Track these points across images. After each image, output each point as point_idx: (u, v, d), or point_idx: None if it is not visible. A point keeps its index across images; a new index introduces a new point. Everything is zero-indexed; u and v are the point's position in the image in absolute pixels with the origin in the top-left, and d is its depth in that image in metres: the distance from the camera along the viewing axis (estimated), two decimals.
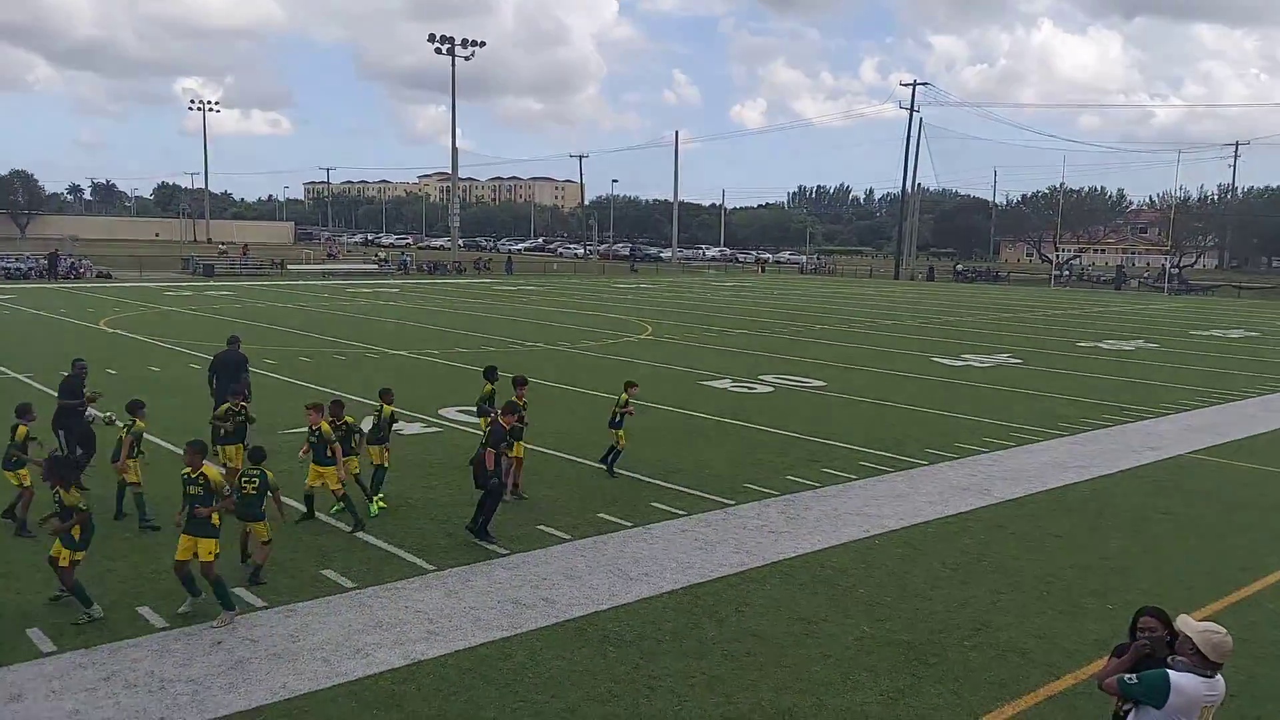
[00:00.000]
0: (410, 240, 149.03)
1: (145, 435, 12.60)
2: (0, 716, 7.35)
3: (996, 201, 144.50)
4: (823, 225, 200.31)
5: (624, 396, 15.34)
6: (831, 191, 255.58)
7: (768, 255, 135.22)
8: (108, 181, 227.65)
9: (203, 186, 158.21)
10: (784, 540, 12.39)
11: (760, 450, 17.53)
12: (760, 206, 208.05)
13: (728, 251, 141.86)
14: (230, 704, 7.68)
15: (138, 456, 12.12)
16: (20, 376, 22.14)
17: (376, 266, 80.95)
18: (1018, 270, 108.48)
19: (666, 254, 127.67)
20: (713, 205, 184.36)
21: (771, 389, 24.75)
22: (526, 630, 9.35)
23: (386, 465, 13.44)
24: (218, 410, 13.92)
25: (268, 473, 10.41)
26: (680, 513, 13.36)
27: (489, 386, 15.16)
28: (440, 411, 19.78)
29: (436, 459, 15.89)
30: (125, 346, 28.52)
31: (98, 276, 61.85)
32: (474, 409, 17.00)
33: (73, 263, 62.66)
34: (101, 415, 14.37)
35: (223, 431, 13.45)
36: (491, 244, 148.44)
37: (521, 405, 13.77)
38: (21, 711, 7.43)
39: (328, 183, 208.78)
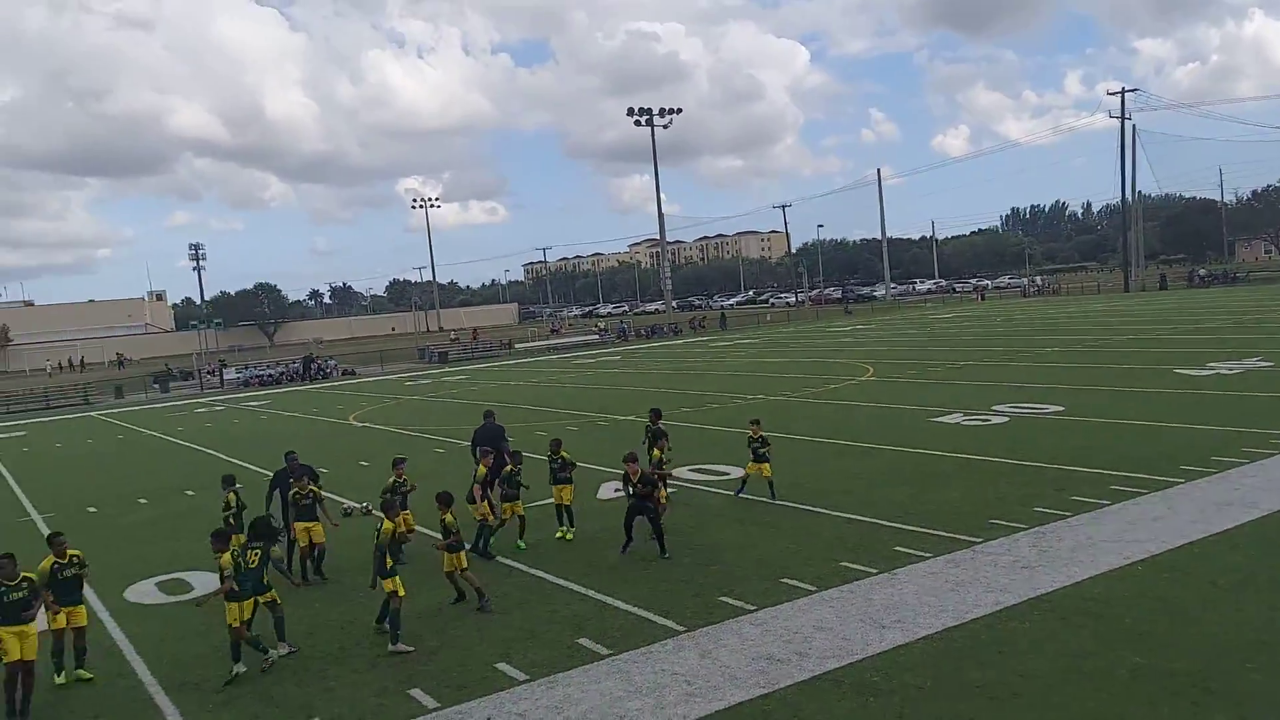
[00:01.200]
0: (626, 307, 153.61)
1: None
2: None
3: (1225, 201, 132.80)
4: (1041, 245, 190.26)
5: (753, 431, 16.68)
6: (1047, 210, 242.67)
7: (986, 282, 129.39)
8: (344, 284, 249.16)
9: (430, 279, 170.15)
10: (1039, 574, 11.58)
11: (1002, 483, 16.55)
12: (972, 233, 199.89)
13: (943, 283, 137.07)
14: None
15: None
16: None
17: (597, 336, 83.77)
18: (1258, 269, 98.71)
19: (879, 292, 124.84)
20: (922, 237, 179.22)
21: (1007, 419, 23.40)
22: (783, 686, 9.13)
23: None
24: (479, 474, 15.04)
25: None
26: (926, 554, 12.76)
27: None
28: (674, 473, 19.93)
29: (674, 522, 15.95)
30: (374, 439, 30.75)
31: (343, 374, 67.13)
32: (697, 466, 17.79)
33: (319, 364, 68.36)
34: (359, 506, 15.53)
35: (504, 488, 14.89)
36: (704, 302, 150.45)
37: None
38: None
39: (544, 261, 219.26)
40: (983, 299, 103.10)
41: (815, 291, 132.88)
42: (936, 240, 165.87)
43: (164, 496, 22.62)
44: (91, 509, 22.01)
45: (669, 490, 16.14)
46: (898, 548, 13.16)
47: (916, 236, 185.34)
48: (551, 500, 15.84)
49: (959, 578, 11.75)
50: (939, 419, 24.20)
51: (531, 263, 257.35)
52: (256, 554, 11.02)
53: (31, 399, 63.91)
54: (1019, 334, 49.20)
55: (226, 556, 10.81)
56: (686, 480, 19.17)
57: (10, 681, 9.85)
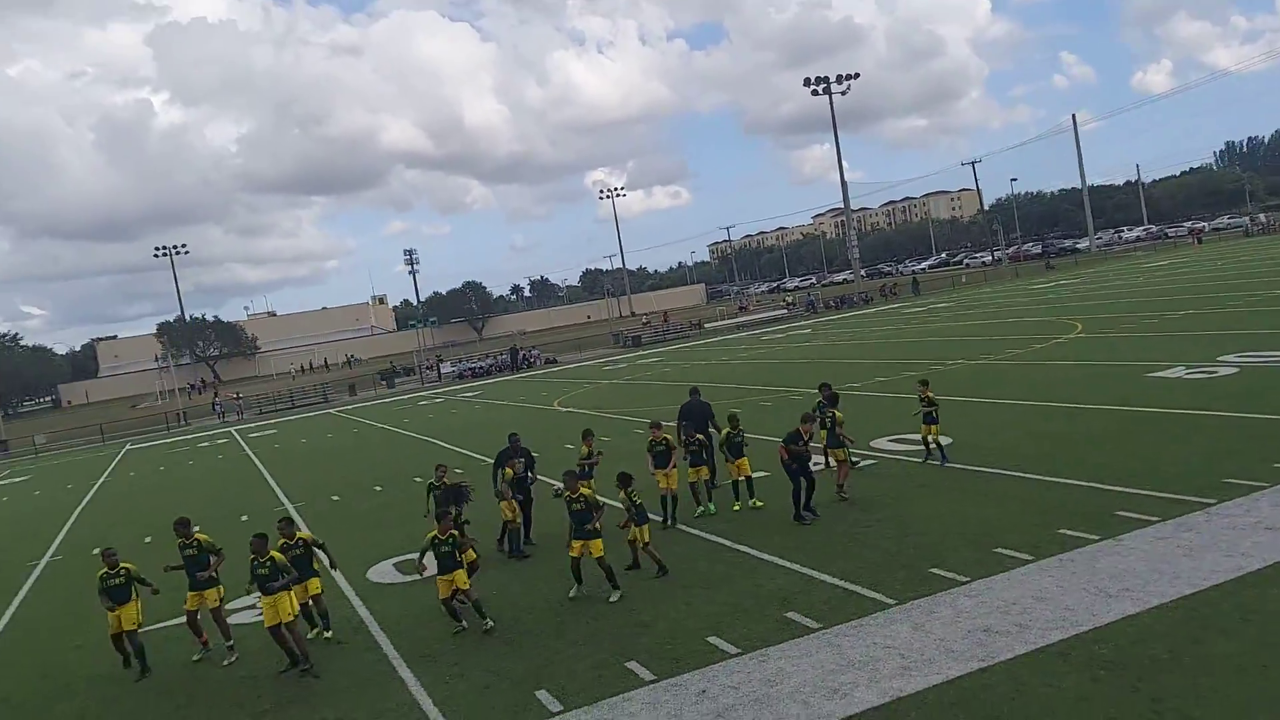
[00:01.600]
0: (814, 280, 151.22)
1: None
2: None
3: None
4: (1263, 179, 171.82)
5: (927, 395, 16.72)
6: (1267, 141, 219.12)
7: (1203, 224, 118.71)
8: (542, 277, 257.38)
9: (620, 266, 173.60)
10: None
11: (1233, 439, 15.28)
12: (1183, 173, 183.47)
13: (1153, 229, 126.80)
14: None
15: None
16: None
17: (785, 311, 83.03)
18: None
19: (1083, 244, 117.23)
20: (1127, 182, 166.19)
21: (1235, 369, 21.53)
22: (1004, 659, 8.83)
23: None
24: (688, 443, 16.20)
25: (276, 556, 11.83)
26: (1153, 518, 11.97)
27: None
28: (872, 444, 19.58)
29: (875, 493, 15.71)
30: (578, 422, 31.74)
31: (546, 363, 69.83)
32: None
33: (524, 354, 71.32)
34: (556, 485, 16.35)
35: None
36: (894, 268, 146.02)
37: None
38: None
39: (729, 240, 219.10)
40: (1200, 242, 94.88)
41: (1013, 248, 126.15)
42: (1143, 184, 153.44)
43: (396, 483, 24.26)
44: (335, 497, 23.92)
45: (852, 459, 16.45)
46: (1120, 512, 12.41)
47: (1120, 182, 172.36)
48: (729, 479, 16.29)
49: (1193, 543, 10.96)
50: (1158, 374, 22.57)
51: (716, 242, 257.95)
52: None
53: (280, 400, 70.24)
54: (1243, 277, 45.05)
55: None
56: (885, 450, 18.77)
57: (280, 638, 11.59)
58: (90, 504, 31.39)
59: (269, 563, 11.68)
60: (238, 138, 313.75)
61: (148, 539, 19.70)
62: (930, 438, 16.97)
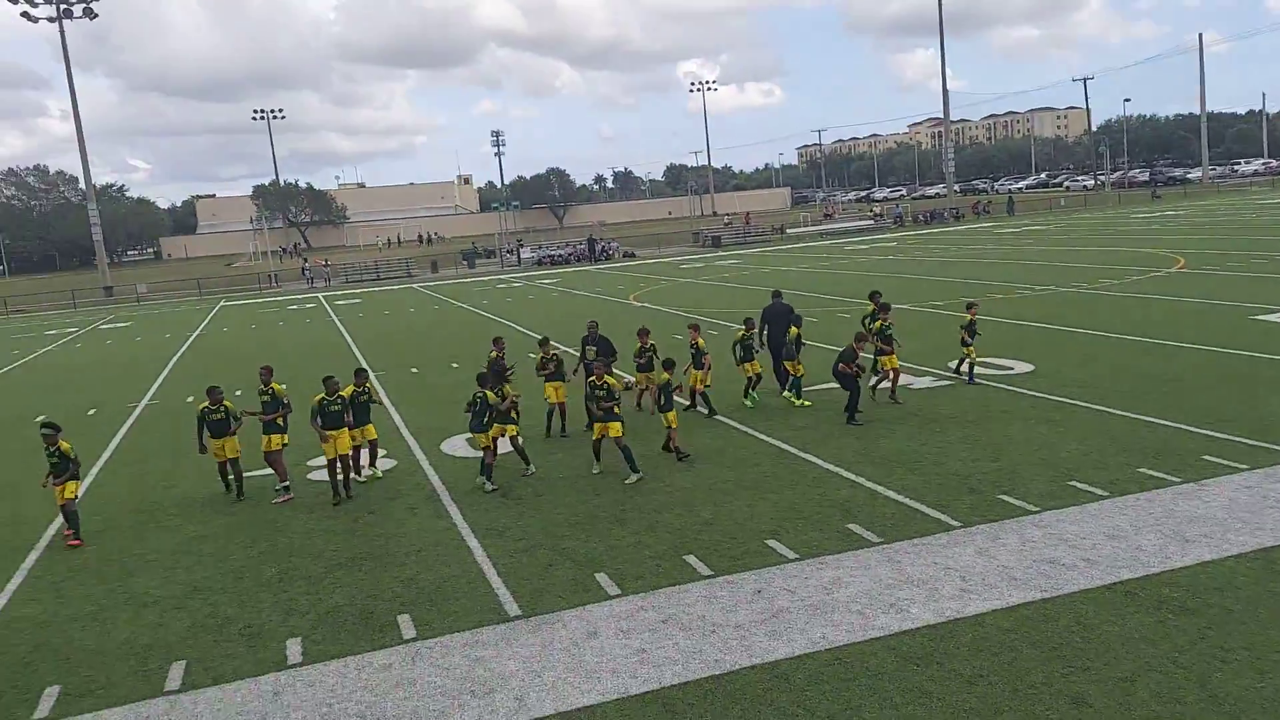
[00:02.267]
0: (904, 192, 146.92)
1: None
2: (582, 651, 8.51)
3: None
4: None
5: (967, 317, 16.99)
6: None
7: None
8: (625, 169, 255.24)
9: (705, 163, 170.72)
10: None
11: None
12: None
13: (1273, 163, 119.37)
14: (774, 650, 8.11)
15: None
16: (570, 350, 25.64)
17: (872, 222, 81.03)
18: None
19: (1194, 174, 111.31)
20: (1250, 112, 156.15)
21: None
22: (1068, 592, 8.67)
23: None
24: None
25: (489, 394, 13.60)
26: (1241, 467, 11.53)
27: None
28: (949, 364, 19.15)
29: (951, 415, 15.41)
30: (651, 318, 31.69)
31: (624, 256, 69.60)
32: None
33: (603, 246, 71.14)
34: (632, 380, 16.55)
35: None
36: (989, 185, 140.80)
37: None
38: (598, 647, 8.52)
39: (819, 144, 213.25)
40: None
41: (1118, 174, 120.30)
42: (1267, 114, 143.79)
43: (472, 361, 24.59)
44: (414, 369, 24.45)
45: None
46: (1207, 457, 11.97)
47: (1243, 111, 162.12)
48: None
49: None
50: (1264, 316, 21.53)
51: (805, 145, 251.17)
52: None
53: (365, 271, 71.70)
54: None
55: (491, 395, 13.73)
56: (965, 373, 18.31)
57: (330, 468, 13.56)
58: (185, 354, 32.71)
59: (339, 402, 13.67)
60: (336, 4, 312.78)
61: (238, 391, 20.39)
62: (970, 358, 17.53)
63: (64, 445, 12.75)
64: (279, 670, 8.57)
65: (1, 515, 14.20)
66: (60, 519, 12.99)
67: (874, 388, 16.77)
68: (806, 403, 16.85)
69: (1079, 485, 11.39)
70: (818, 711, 7.14)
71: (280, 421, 13.95)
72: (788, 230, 78.74)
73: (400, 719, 7.58)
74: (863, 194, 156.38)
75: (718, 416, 16.40)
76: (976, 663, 7.62)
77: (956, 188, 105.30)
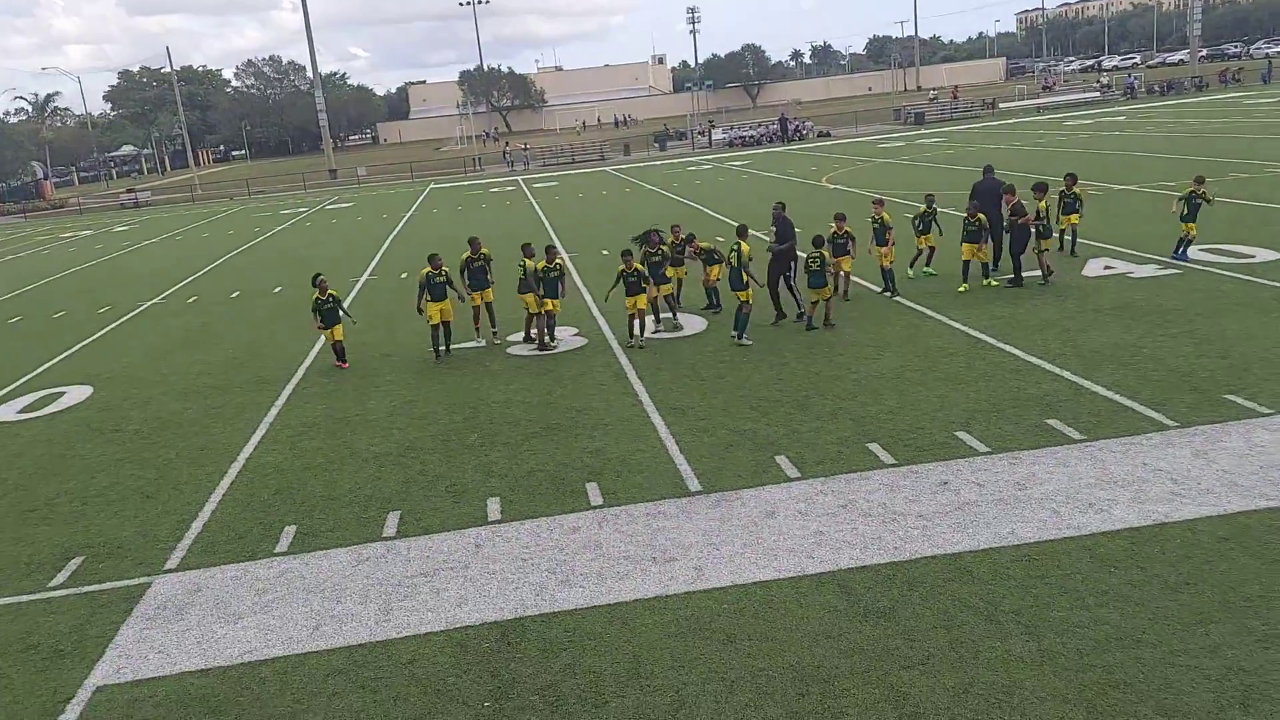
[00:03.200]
0: (1138, 59, 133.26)
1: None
2: (759, 529, 8.53)
3: None
4: None
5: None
6: None
7: None
8: (824, 43, 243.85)
9: (912, 33, 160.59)
10: None
11: None
12: None
13: None
14: (958, 543, 7.84)
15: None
16: (758, 234, 25.16)
17: (1098, 94, 74.25)
18: None
19: None
20: None
21: None
22: None
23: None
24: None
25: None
26: None
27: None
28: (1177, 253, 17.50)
29: (1171, 304, 14.13)
30: (844, 201, 30.56)
31: (819, 136, 67.11)
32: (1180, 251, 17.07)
33: (796, 125, 68.75)
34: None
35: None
36: (1241, 49, 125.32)
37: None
38: (776, 526, 8.52)
39: (1042, 9, 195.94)
40: None
41: None
42: None
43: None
44: (604, 251, 24.79)
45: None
46: None
47: None
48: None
49: None
50: None
51: (1025, 11, 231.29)
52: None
53: (561, 154, 73.04)
54: None
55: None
56: (1194, 261, 16.69)
57: (434, 332, 15.39)
58: (400, 234, 34.60)
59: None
60: None
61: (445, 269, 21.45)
62: (1190, 234, 16.81)
63: (333, 293, 15.39)
64: (479, 525, 9.15)
65: (246, 375, 15.69)
66: (307, 367, 15.53)
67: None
68: (994, 282, 16.43)
69: None
70: (1001, 605, 6.88)
71: (491, 278, 15.94)
72: (1000, 105, 73.43)
73: (587, 577, 7.91)
74: (1090, 63, 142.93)
75: (898, 298, 15.92)
76: (1183, 569, 7.09)
77: (1203, 53, 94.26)
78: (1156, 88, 73.13)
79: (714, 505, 9.02)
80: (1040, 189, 16.34)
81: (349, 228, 38.94)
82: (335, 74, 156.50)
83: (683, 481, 9.66)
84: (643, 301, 14.79)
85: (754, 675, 6.41)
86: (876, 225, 16.24)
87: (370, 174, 72.99)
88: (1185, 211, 16.65)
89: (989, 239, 16.41)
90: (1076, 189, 17.84)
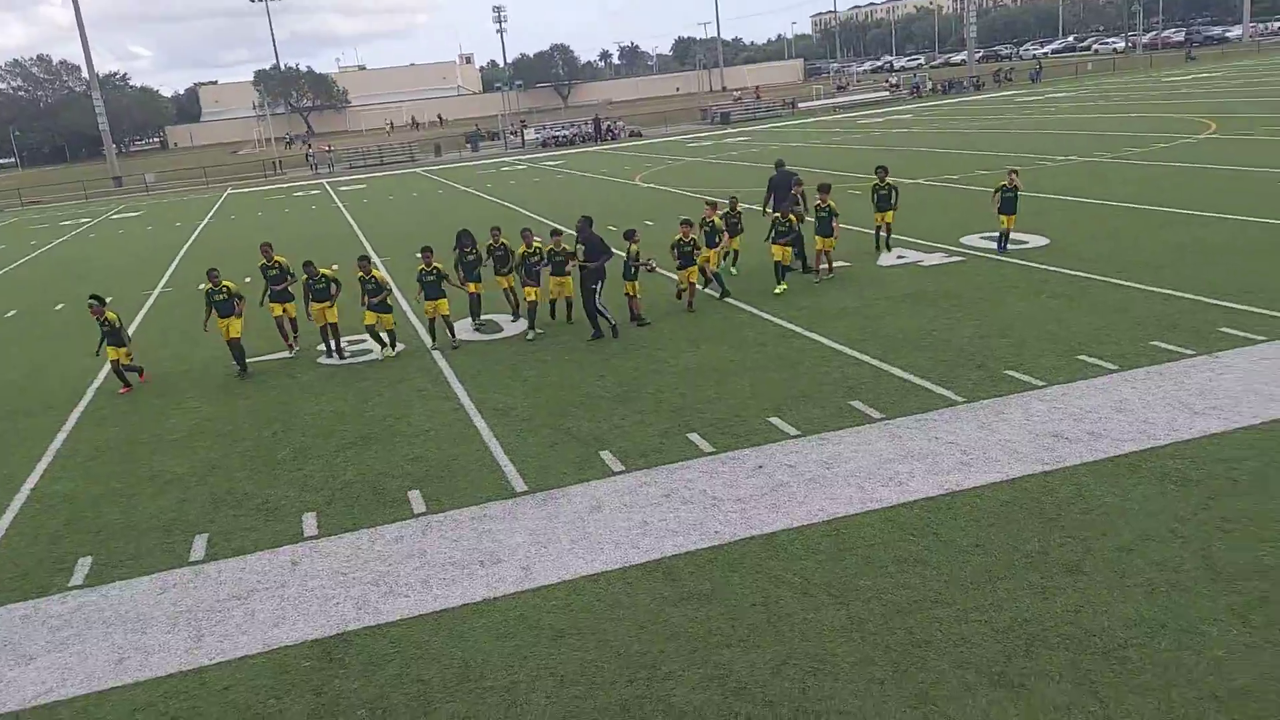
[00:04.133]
0: (922, 60, 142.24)
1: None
2: (586, 524, 8.63)
3: None
4: None
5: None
6: None
7: None
8: (632, 44, 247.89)
9: (715, 35, 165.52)
10: None
11: None
12: None
13: None
14: (773, 523, 8.20)
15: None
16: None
17: (888, 93, 78.83)
18: None
19: (1234, 33, 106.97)
20: None
21: None
22: (1071, 464, 8.67)
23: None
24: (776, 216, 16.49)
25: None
26: (1258, 338, 11.36)
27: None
28: (962, 240, 18.86)
29: (959, 290, 15.23)
30: (658, 199, 31.23)
31: (630, 135, 68.15)
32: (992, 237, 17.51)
33: (608, 125, 69.59)
34: (643, 263, 16.21)
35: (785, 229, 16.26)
36: (1013, 51, 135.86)
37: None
38: (602, 520, 8.64)
39: (834, 11, 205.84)
40: None
41: (1151, 35, 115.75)
42: None
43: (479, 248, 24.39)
44: (419, 255, 24.22)
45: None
46: (1225, 329, 11.80)
47: None
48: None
49: None
50: None
51: (820, 14, 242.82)
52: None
53: (369, 155, 70.90)
54: None
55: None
56: (974, 248, 18.06)
57: (323, 333, 15.01)
58: (196, 242, 32.72)
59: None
60: None
61: (247, 279, 20.37)
62: (1006, 225, 17.25)
63: (110, 315, 14.22)
64: (296, 542, 8.83)
65: (28, 400, 14.47)
66: (96, 387, 14.25)
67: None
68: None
69: (1088, 359, 11.28)
70: (813, 579, 7.25)
71: (289, 289, 15.26)
72: (800, 104, 76.79)
73: (412, 586, 7.77)
74: (879, 64, 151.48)
75: (729, 299, 16.16)
76: (974, 533, 7.68)
77: (978, 55, 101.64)
78: (940, 86, 78.38)
79: (540, 504, 9.06)
80: (824, 189, 16.73)
81: (138, 238, 36.51)
82: (115, 74, 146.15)
83: (508, 482, 9.64)
84: (444, 306, 14.73)
85: (584, 668, 6.50)
86: (707, 228, 16.49)
87: (160, 180, 68.57)
88: (1000, 204, 17.15)
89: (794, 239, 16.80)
90: (890, 181, 17.94)
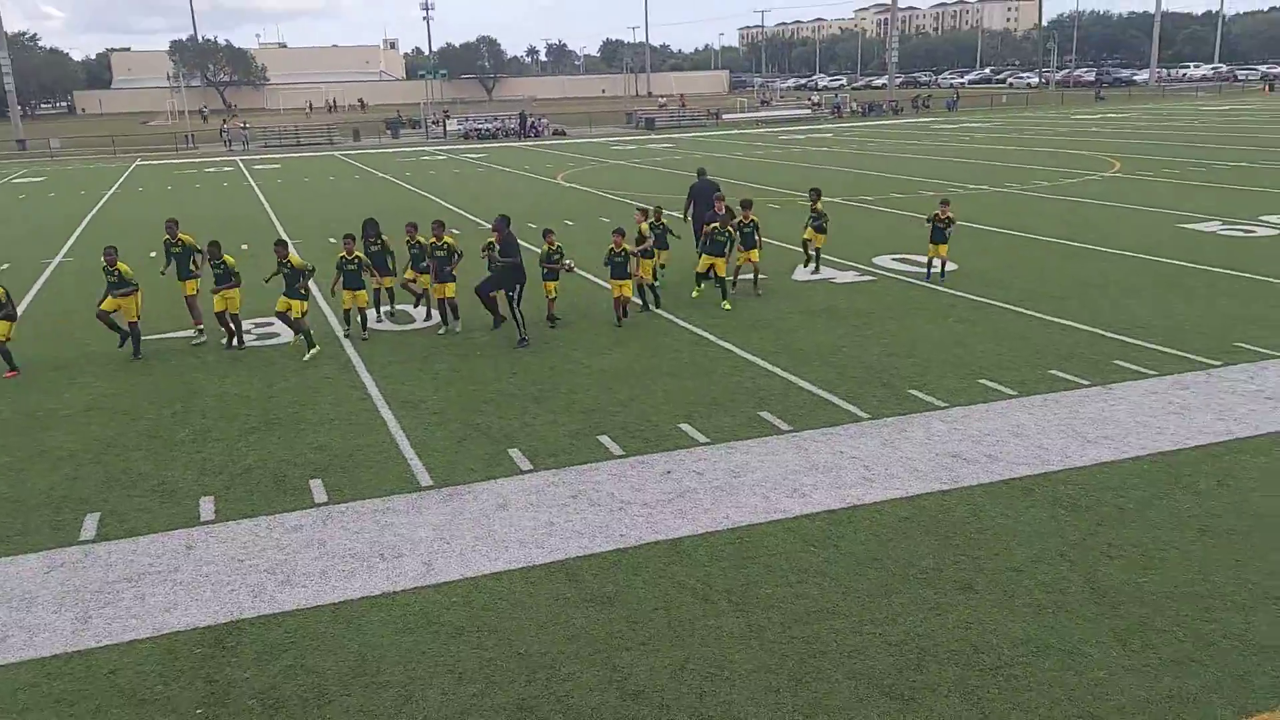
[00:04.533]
0: (844, 80, 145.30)
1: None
2: (491, 522, 8.58)
3: None
4: None
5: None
6: None
7: (1278, 69, 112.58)
8: (560, 42, 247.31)
9: (643, 40, 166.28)
10: None
11: (1258, 303, 15.01)
12: (1272, 10, 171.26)
13: (1222, 69, 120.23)
14: (678, 528, 8.27)
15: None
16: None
17: (810, 111, 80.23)
18: None
19: (1141, 77, 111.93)
20: (1207, 13, 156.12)
21: (1275, 231, 21.00)
22: (967, 485, 8.96)
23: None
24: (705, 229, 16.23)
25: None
26: (1149, 373, 11.90)
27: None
28: (874, 260, 19.32)
29: (870, 310, 15.59)
30: (579, 199, 31.22)
31: (554, 134, 67.93)
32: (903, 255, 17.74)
33: (533, 122, 69.24)
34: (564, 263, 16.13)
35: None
36: (932, 79, 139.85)
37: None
38: (507, 519, 8.60)
39: (761, 26, 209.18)
40: (1271, 90, 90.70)
41: (1064, 73, 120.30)
42: (1223, 16, 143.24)
43: (392, 235, 23.93)
44: (332, 239, 23.74)
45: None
46: (1119, 361, 12.33)
47: (1199, 12, 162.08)
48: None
49: (1186, 401, 10.93)
50: (1192, 225, 22.02)
51: (747, 27, 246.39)
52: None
53: (285, 136, 69.04)
54: None
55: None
56: (886, 269, 18.52)
57: (225, 327, 14.34)
58: (100, 213, 31.53)
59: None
60: None
61: (151, 253, 19.73)
62: (939, 255, 17.09)
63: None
64: (191, 526, 8.57)
65: None
66: None
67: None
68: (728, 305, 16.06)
69: (989, 384, 11.66)
70: (715, 585, 7.34)
71: (196, 266, 14.79)
72: (723, 116, 77.60)
73: (310, 576, 7.61)
74: (803, 81, 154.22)
75: (659, 310, 15.77)
76: (872, 547, 7.87)
77: (899, 80, 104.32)
78: (860, 108, 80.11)
79: (445, 500, 8.96)
80: (747, 204, 16.38)
81: (40, 205, 34.94)
82: (24, 34, 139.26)
83: (414, 476, 9.51)
84: (363, 297, 14.45)
85: (482, 665, 6.45)
86: (656, 232, 16.31)
87: (65, 147, 65.64)
88: (931, 234, 16.89)
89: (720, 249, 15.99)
90: (820, 205, 17.89)
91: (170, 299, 15.55)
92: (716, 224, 15.96)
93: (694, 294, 16.31)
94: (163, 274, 15.30)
